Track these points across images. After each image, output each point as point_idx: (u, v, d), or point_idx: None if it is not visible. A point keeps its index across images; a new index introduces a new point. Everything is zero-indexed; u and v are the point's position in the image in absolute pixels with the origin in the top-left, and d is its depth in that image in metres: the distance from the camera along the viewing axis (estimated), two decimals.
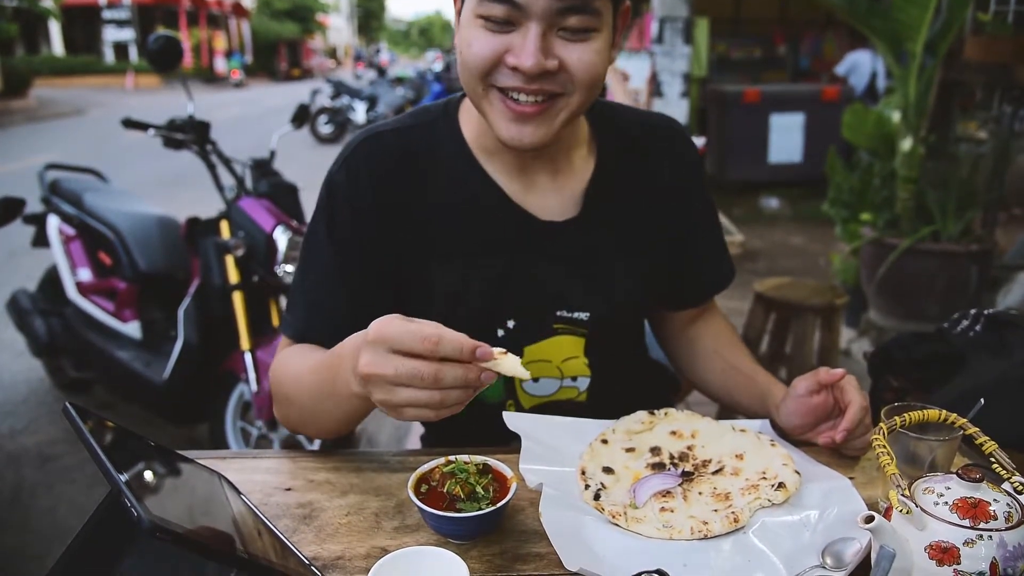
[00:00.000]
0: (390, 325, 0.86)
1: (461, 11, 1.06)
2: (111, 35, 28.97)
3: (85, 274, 3.40)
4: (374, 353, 0.86)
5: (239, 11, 37.11)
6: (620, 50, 1.11)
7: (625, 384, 1.29)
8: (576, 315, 1.21)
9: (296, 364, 1.13)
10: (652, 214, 1.25)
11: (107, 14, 28.38)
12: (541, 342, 1.21)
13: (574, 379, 1.25)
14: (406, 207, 1.16)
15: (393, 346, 0.85)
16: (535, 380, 1.24)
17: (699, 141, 2.57)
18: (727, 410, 1.42)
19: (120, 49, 29.69)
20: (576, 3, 0.98)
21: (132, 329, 3.26)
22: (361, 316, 0.96)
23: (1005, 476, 0.88)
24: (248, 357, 2.75)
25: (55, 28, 29.54)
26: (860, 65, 8.66)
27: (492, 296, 1.18)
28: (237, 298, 2.81)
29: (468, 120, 1.19)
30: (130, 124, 3.00)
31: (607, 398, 1.24)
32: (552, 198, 1.19)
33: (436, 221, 1.15)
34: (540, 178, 1.18)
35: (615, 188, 1.22)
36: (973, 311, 1.53)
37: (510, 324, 1.19)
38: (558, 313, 1.21)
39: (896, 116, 4.18)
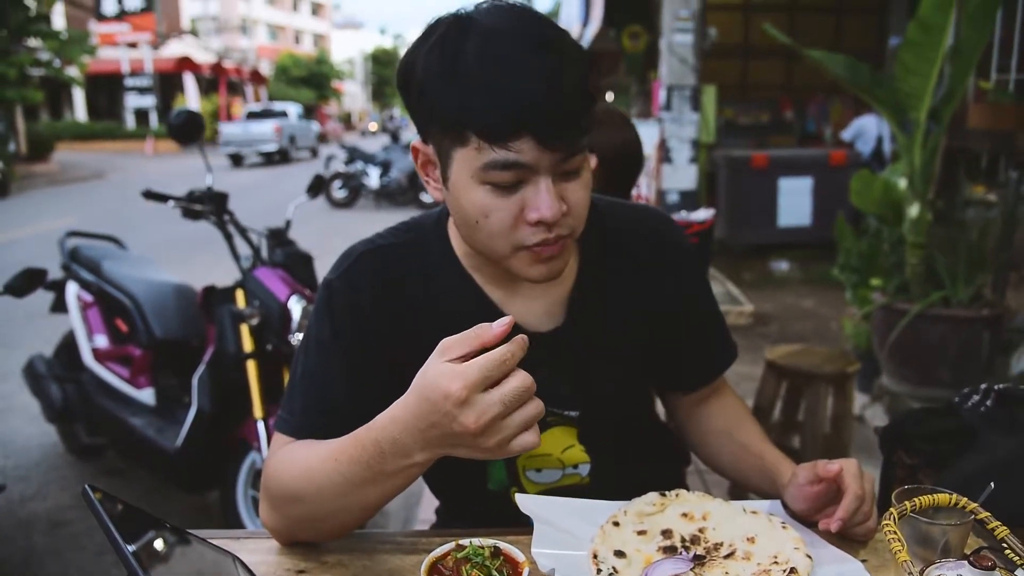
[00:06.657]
0: (470, 374, 0.85)
1: (447, 174, 1.06)
2: (132, 101, 29.65)
3: (102, 340, 3.44)
4: (474, 405, 0.85)
5: (257, 78, 38.18)
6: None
7: (629, 461, 1.29)
8: (566, 413, 1.23)
9: (306, 457, 1.07)
10: (640, 311, 1.26)
11: (129, 82, 29.08)
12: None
13: (575, 466, 1.26)
14: (401, 316, 1.18)
15: (486, 385, 0.85)
16: (538, 471, 1.25)
17: (707, 213, 2.60)
18: (738, 487, 1.42)
19: (141, 115, 30.39)
20: (573, 149, 1.01)
21: (146, 396, 3.29)
22: (364, 412, 0.98)
23: (1018, 562, 0.88)
24: (261, 425, 2.76)
25: (79, 95, 30.43)
26: (866, 130, 8.79)
27: None
28: (251, 366, 2.84)
29: (456, 232, 1.21)
30: (151, 196, 3.07)
31: (611, 478, 1.25)
32: (537, 305, 1.21)
33: (428, 329, 1.11)
34: (525, 286, 1.20)
35: (599, 290, 1.24)
36: (983, 386, 1.54)
37: None
38: (549, 408, 1.22)
39: (903, 182, 4.22)
